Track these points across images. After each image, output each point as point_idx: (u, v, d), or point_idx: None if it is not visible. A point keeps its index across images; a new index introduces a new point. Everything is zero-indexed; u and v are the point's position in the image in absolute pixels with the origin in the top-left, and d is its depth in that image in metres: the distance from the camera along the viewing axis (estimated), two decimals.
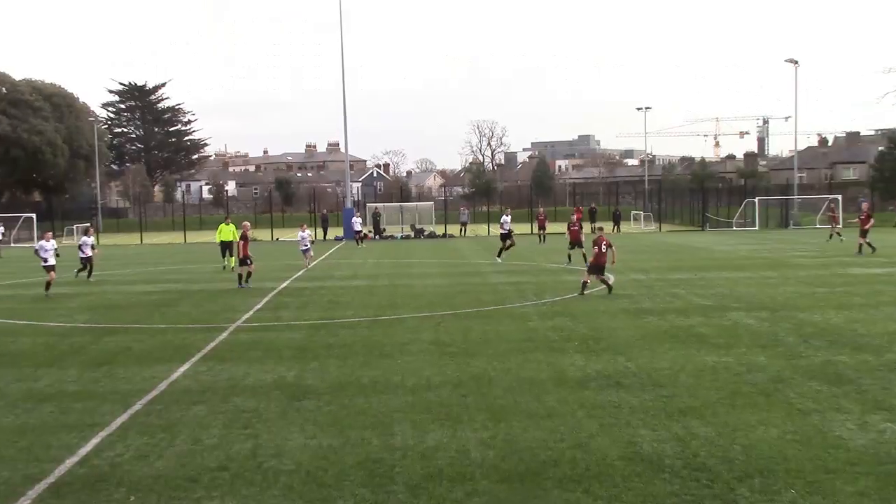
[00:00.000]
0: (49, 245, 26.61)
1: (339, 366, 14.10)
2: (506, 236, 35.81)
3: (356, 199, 79.96)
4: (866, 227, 34.15)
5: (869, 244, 34.50)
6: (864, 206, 37.66)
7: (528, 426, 10.24)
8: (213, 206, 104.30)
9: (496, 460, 9.02)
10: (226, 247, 34.08)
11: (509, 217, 38.76)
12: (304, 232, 34.34)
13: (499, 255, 35.12)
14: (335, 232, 62.99)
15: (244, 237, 27.42)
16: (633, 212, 76.97)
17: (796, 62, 69.10)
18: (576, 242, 31.10)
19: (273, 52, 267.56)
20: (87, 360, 15.05)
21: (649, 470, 8.58)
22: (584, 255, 28.85)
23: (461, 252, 43.67)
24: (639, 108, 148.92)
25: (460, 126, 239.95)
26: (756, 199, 65.48)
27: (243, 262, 27.03)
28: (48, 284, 25.76)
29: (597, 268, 22.81)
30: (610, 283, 23.10)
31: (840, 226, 46.47)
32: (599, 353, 14.67)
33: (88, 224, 47.09)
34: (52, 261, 26.28)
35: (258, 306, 22.12)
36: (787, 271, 28.26)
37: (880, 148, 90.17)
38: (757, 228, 62.04)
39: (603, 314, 19.23)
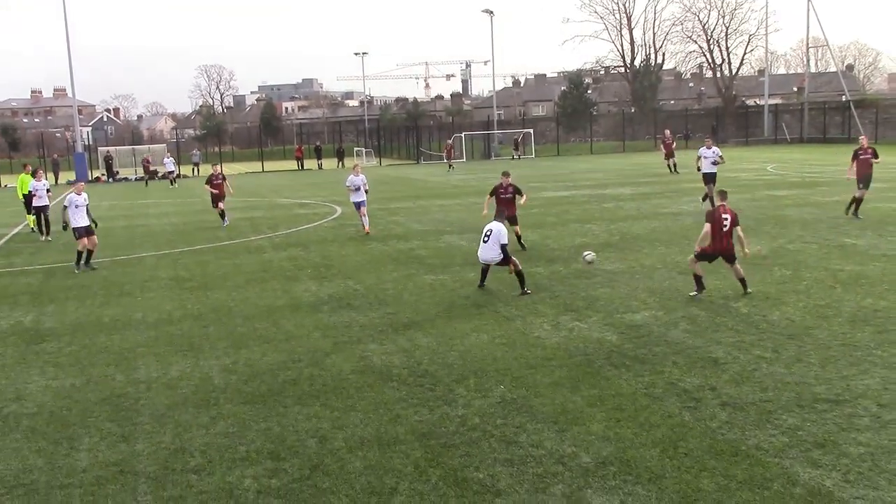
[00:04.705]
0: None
1: (78, 307, 13.19)
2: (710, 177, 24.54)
3: (87, 143, 74.32)
4: (671, 150, 38.11)
5: (672, 166, 36.84)
6: (667, 132, 41.17)
7: (268, 350, 10.11)
8: None
9: (239, 384, 8.84)
10: None
11: (713, 149, 25.00)
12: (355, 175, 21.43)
13: (704, 199, 23.52)
14: (67, 176, 58.35)
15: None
16: (355, 148, 77.21)
17: (492, 12, 71.62)
18: None
19: None
20: None
21: (380, 380, 8.75)
22: None
23: (195, 191, 41.95)
24: (356, 54, 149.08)
25: (188, 70, 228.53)
26: (462, 135, 67.78)
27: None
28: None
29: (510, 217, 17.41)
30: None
31: (456, 160, 55.72)
32: (331, 278, 14.70)
33: None
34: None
35: None
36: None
37: (563, 88, 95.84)
38: (464, 160, 64.34)
39: (332, 243, 19.25)
